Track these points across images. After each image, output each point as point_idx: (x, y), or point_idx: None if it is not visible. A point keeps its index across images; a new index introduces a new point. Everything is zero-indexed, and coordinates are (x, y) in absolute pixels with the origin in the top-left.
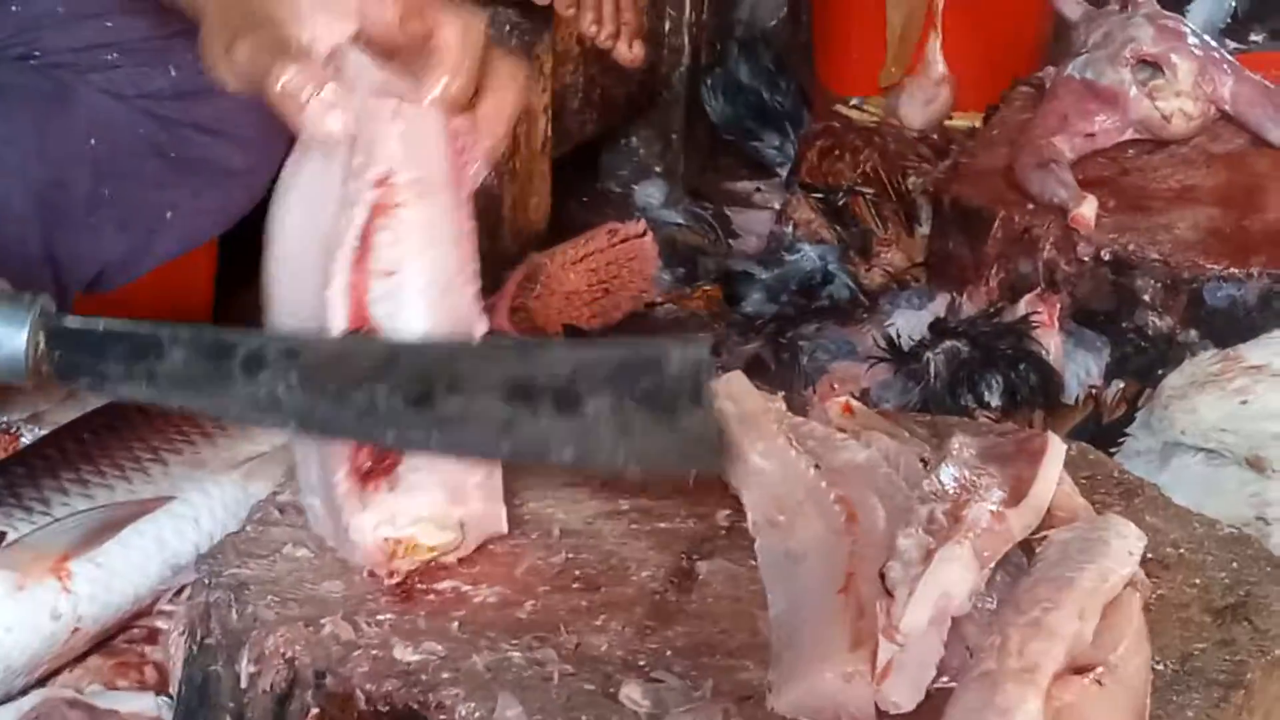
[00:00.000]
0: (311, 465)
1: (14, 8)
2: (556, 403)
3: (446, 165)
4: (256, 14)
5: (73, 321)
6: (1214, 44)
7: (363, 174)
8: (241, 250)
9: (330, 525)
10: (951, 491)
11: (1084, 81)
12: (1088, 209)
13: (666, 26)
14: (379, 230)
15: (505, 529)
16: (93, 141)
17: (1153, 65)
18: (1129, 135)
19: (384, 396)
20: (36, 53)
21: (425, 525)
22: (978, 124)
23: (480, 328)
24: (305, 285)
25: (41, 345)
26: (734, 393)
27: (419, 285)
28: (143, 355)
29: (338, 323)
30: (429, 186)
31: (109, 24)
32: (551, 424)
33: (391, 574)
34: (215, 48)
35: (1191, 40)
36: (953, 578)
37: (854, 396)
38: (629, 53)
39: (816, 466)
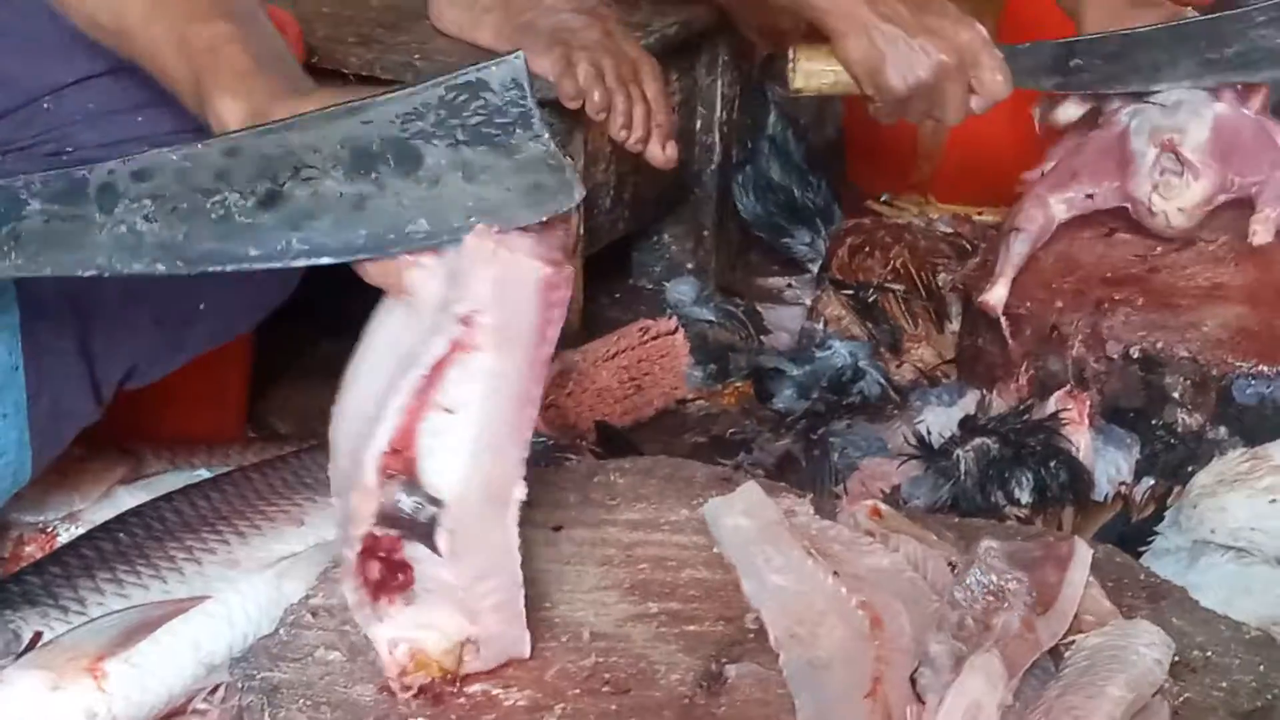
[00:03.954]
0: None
1: (46, 105)
2: (397, 162)
3: (534, 319)
4: None
5: None
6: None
7: (450, 307)
8: (276, 347)
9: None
10: (980, 597)
11: (1120, 134)
12: (994, 295)
13: (698, 124)
14: (451, 365)
15: (527, 653)
16: None
17: (1185, 165)
18: (1116, 204)
19: (236, 201)
20: (68, 149)
21: (433, 634)
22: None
23: (518, 493)
24: (366, 407)
25: None
26: (750, 506)
27: (470, 433)
28: (5, 217)
29: (383, 436)
30: (510, 336)
31: (139, 119)
32: (398, 193)
33: (405, 688)
34: None
35: None
36: (982, 687)
37: (884, 494)
38: (662, 154)
39: (835, 574)
